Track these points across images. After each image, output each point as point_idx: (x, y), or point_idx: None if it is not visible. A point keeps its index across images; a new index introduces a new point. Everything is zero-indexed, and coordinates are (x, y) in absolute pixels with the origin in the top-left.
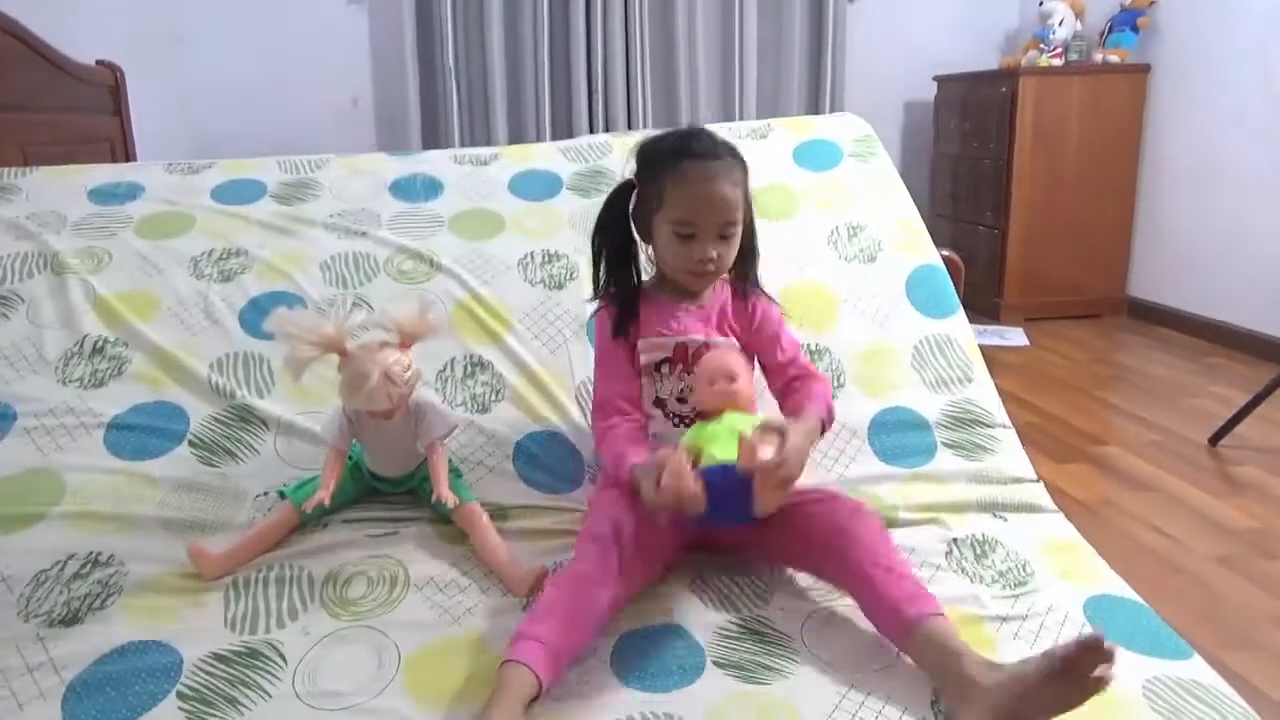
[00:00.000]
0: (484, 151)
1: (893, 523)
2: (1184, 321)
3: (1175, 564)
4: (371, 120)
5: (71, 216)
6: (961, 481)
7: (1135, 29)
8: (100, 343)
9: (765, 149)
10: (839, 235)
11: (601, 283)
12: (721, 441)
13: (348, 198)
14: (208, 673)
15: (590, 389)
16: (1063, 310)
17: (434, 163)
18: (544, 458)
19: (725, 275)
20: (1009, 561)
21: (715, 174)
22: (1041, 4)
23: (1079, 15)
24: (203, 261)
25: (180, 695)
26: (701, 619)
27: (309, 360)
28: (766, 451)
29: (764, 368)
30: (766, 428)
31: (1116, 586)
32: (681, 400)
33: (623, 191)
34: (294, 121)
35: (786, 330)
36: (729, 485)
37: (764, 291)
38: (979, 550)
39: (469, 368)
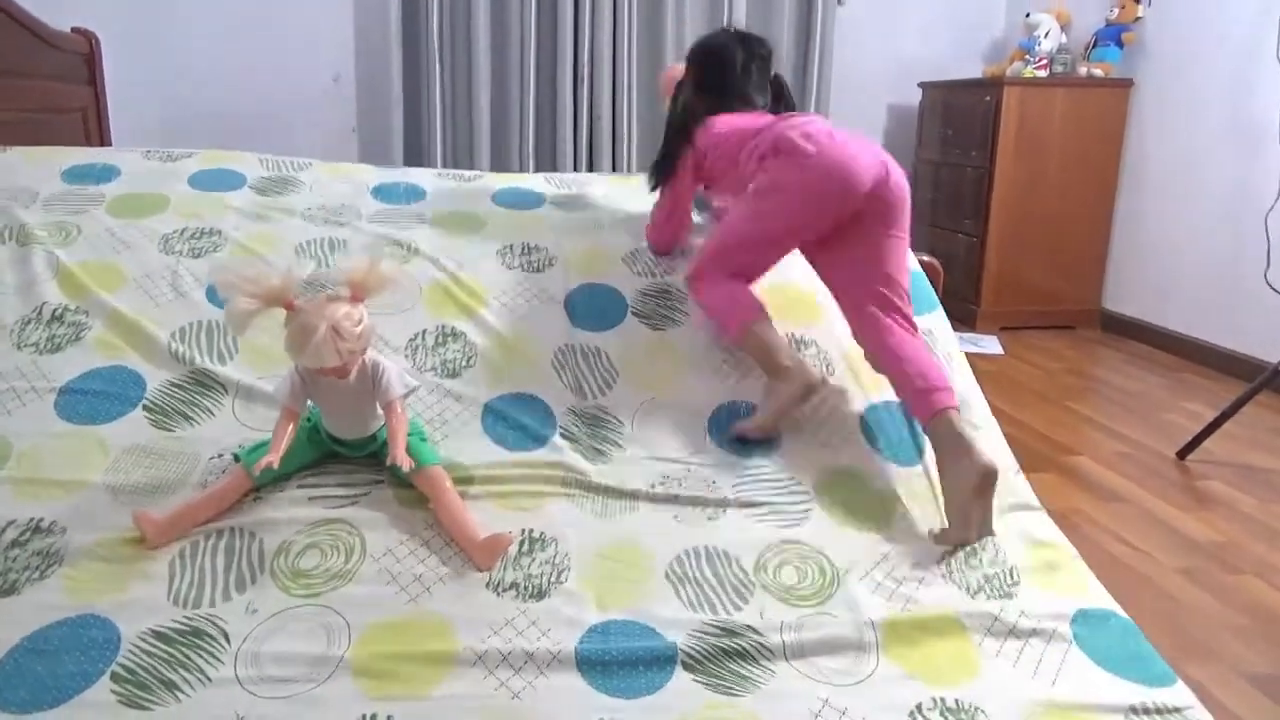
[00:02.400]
0: (468, 172)
1: (887, 520)
2: (1156, 336)
3: (1141, 575)
4: (353, 99)
5: (44, 193)
6: None
7: (1120, 44)
8: (60, 310)
9: None
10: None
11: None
12: None
13: (328, 195)
14: (146, 652)
15: (567, 357)
16: (1038, 320)
17: (417, 175)
18: (514, 415)
19: None
20: (995, 565)
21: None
22: (1028, 15)
23: (1065, 28)
24: (174, 239)
25: (115, 676)
26: (676, 617)
27: (252, 313)
28: None
29: None
30: None
31: (1102, 599)
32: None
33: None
34: (273, 96)
35: None
36: None
37: None
38: (968, 551)
39: (441, 337)
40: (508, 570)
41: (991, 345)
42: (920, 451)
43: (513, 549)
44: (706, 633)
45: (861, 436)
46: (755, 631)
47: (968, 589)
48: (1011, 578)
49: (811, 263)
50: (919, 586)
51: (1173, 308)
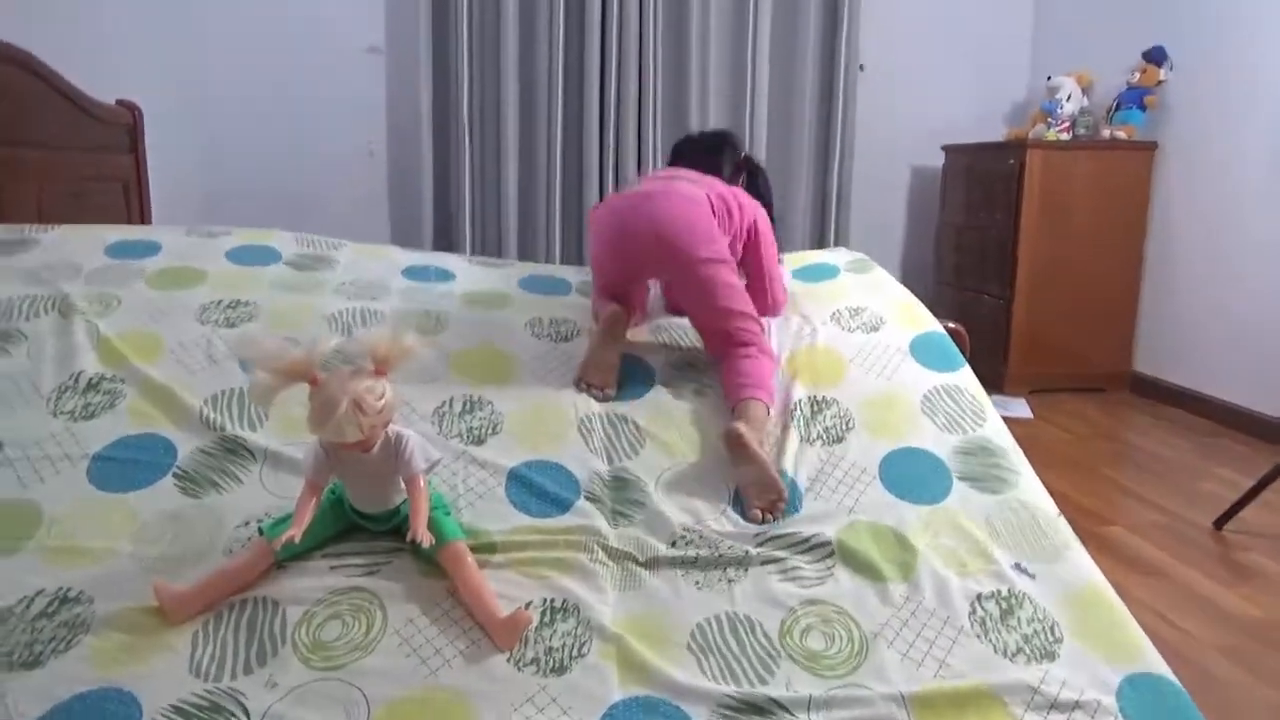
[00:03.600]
0: (496, 259)
1: (912, 571)
2: (1189, 399)
3: (1181, 654)
4: (384, 169)
5: (87, 268)
6: (981, 519)
7: (1143, 107)
8: (96, 379)
9: None
10: (841, 314)
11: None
12: None
13: (361, 273)
14: None
15: (594, 424)
16: (1067, 383)
17: (447, 259)
18: (536, 483)
19: None
20: (1035, 622)
21: None
22: (1050, 78)
23: (1086, 91)
24: (210, 309)
25: None
26: (698, 691)
27: (275, 388)
28: None
29: None
30: None
31: (1152, 663)
32: None
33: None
34: (309, 168)
35: None
36: None
37: None
38: (1004, 607)
39: (468, 405)
40: (529, 643)
41: (1020, 409)
42: (945, 489)
43: (535, 620)
44: (732, 708)
45: (880, 485)
46: (783, 708)
47: (1005, 651)
48: (1053, 634)
49: (673, 305)
50: (951, 647)
51: (1205, 370)
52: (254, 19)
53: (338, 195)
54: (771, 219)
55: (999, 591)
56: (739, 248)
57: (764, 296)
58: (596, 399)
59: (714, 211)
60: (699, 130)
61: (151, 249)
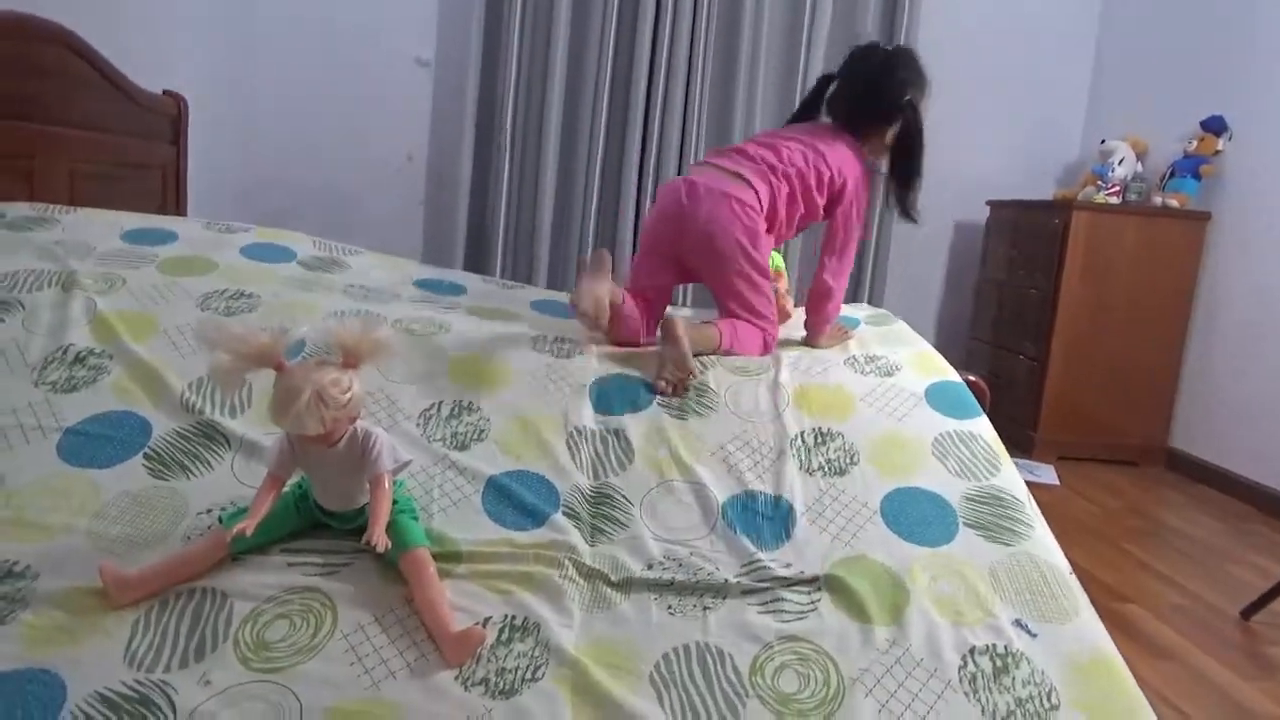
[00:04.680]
0: (511, 282)
1: (901, 615)
2: (1226, 480)
3: None
4: (423, 178)
5: (100, 249)
6: (985, 569)
7: (1198, 176)
8: (84, 352)
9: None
10: (855, 360)
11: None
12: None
13: (372, 279)
14: (89, 717)
15: (583, 437)
16: (1098, 453)
17: (462, 276)
18: (515, 493)
19: None
20: (1031, 685)
21: None
22: (1103, 141)
23: (1141, 156)
24: (213, 298)
25: None
26: None
27: (235, 372)
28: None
29: None
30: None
31: None
32: None
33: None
34: (347, 169)
35: None
36: None
37: None
38: (999, 664)
39: (456, 409)
40: (481, 661)
41: (1047, 475)
42: (950, 534)
43: (490, 637)
44: None
45: (881, 522)
46: None
47: (994, 714)
48: (1049, 700)
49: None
50: (935, 703)
51: (1244, 452)
52: (306, 20)
53: (374, 203)
54: (906, 188)
55: (994, 646)
56: (819, 209)
57: (820, 269)
58: (587, 326)
59: (763, 207)
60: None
61: (168, 238)
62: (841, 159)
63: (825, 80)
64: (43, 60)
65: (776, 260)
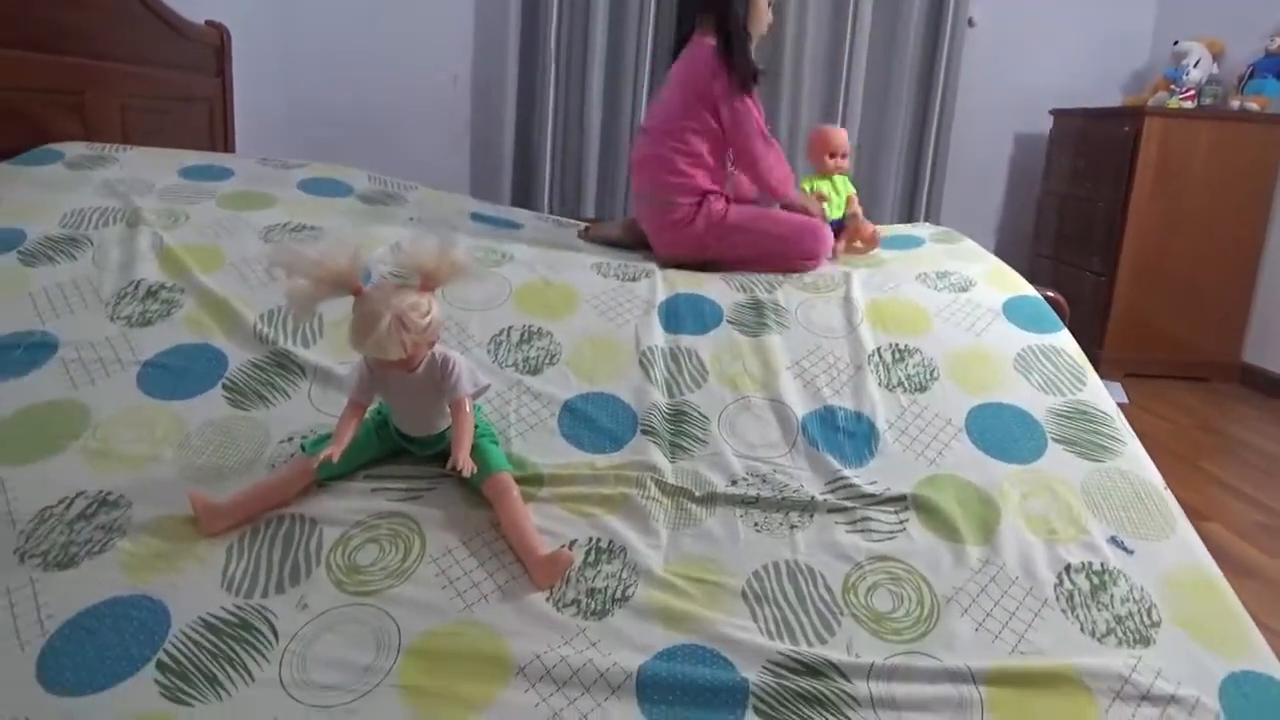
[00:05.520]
0: (567, 219)
1: (993, 534)
2: None
3: None
4: (468, 103)
5: (160, 185)
6: (1077, 485)
7: None
8: (155, 287)
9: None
10: (927, 276)
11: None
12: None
13: (430, 212)
14: (194, 642)
15: (656, 356)
16: (1168, 369)
17: (517, 213)
18: (592, 414)
19: None
20: (1130, 602)
21: None
22: (1176, 43)
23: (1217, 58)
24: (275, 231)
25: (160, 666)
26: (750, 645)
27: (315, 297)
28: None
29: None
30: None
31: (1266, 661)
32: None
33: None
34: (390, 95)
35: None
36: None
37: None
38: (1095, 582)
39: (526, 335)
40: (570, 583)
41: (1117, 393)
42: (1038, 449)
43: (578, 559)
44: (785, 667)
45: (966, 439)
46: (840, 674)
47: (1093, 631)
48: (1149, 617)
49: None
50: (1033, 620)
51: None
52: None
53: (420, 128)
54: (745, 87)
55: (1090, 564)
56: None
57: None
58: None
59: (679, 143)
60: None
61: (225, 174)
62: (688, 72)
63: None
64: None
65: (823, 184)
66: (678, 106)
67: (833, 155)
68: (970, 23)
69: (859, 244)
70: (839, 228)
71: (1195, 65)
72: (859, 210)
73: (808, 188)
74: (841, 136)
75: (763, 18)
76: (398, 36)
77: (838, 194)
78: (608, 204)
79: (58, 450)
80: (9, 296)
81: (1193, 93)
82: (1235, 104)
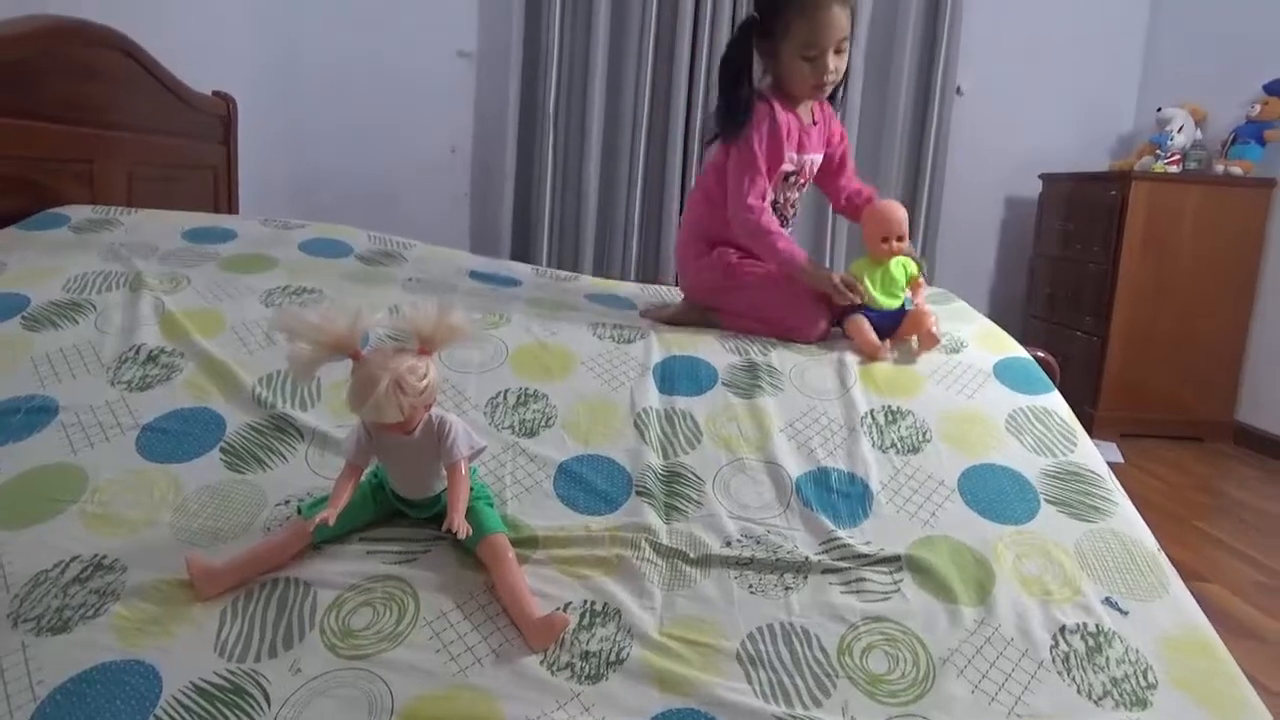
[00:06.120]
0: (563, 272)
1: (988, 595)
2: None
3: None
4: (468, 171)
5: (163, 248)
6: (1070, 546)
7: (1262, 141)
8: (156, 351)
9: None
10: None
11: (742, 98)
12: (881, 289)
13: (429, 272)
14: (185, 707)
15: (650, 418)
16: (1162, 429)
17: (515, 267)
18: (587, 476)
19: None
20: (1126, 664)
21: (830, 2)
22: (1160, 109)
23: (1200, 123)
24: (276, 294)
25: None
26: (745, 708)
27: (315, 361)
28: (936, 330)
29: (826, 174)
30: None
31: None
32: (791, 208)
33: (745, 28)
34: (392, 163)
35: (849, 149)
36: (881, 321)
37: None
38: (1091, 643)
39: (523, 397)
40: (564, 646)
41: (1111, 453)
42: (1031, 511)
43: (573, 622)
44: None
45: (960, 500)
46: None
47: (1090, 694)
48: (1145, 679)
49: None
50: (1029, 683)
51: None
52: (350, 17)
53: (421, 196)
54: (726, 131)
55: (1085, 625)
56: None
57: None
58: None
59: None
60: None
61: (227, 235)
62: (719, 161)
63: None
64: (98, 64)
65: (875, 271)
66: (719, 151)
67: (886, 240)
68: (959, 91)
69: (914, 341)
70: (898, 318)
71: (1179, 131)
72: (923, 302)
73: (858, 272)
74: (896, 216)
75: (794, 73)
76: (399, 109)
77: (894, 280)
78: (605, 264)
79: (55, 514)
80: (12, 362)
81: (1178, 157)
82: (1220, 168)
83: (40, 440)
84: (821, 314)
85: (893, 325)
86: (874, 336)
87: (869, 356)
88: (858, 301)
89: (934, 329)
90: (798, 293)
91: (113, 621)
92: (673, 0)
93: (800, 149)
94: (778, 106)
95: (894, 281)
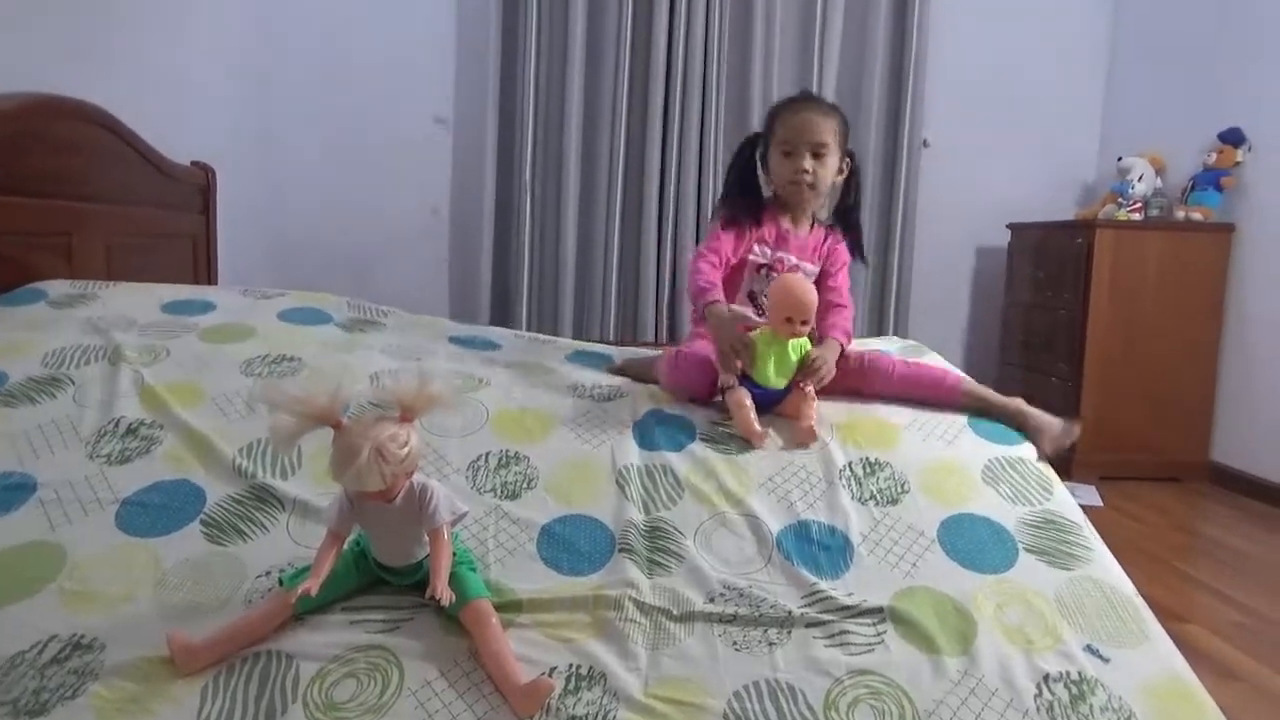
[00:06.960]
0: (543, 336)
1: (971, 645)
2: (1272, 491)
3: None
4: (446, 236)
5: (142, 321)
6: (1050, 594)
7: (1219, 188)
8: (135, 424)
9: None
10: None
11: (730, 203)
12: (775, 367)
13: (408, 338)
14: None
15: (632, 474)
16: (1138, 471)
17: (494, 332)
18: (569, 538)
19: (826, 223)
20: (1109, 711)
21: (810, 107)
22: (1120, 159)
23: (1160, 172)
24: (255, 363)
25: None
26: None
27: (297, 432)
28: (811, 416)
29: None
30: (808, 370)
31: None
32: (765, 297)
33: (751, 140)
34: (371, 229)
35: (845, 271)
36: (764, 398)
37: (845, 239)
38: (1074, 691)
39: (504, 459)
40: (550, 712)
41: (1089, 496)
42: (1010, 560)
43: (558, 687)
44: None
45: (940, 550)
46: None
47: None
48: None
49: None
50: None
51: None
52: (327, 85)
53: (400, 261)
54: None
55: (1068, 673)
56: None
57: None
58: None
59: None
60: None
61: (206, 307)
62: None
63: None
64: (77, 138)
65: (773, 344)
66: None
67: (790, 320)
68: (925, 143)
69: (791, 432)
70: (779, 398)
71: (1139, 179)
72: (811, 392)
73: (758, 343)
74: (807, 300)
75: (776, 169)
76: (377, 175)
77: (788, 361)
78: (584, 326)
79: (33, 593)
80: None
81: (1140, 205)
82: (1180, 215)
83: (18, 518)
84: (673, 363)
85: (772, 404)
86: (754, 420)
87: (745, 439)
88: (737, 374)
89: (815, 427)
90: (692, 344)
91: (92, 702)
92: (645, 63)
93: (777, 246)
94: (769, 208)
95: (787, 361)
